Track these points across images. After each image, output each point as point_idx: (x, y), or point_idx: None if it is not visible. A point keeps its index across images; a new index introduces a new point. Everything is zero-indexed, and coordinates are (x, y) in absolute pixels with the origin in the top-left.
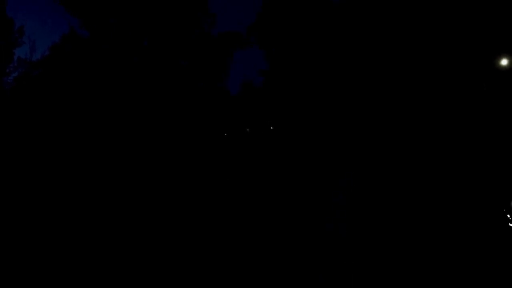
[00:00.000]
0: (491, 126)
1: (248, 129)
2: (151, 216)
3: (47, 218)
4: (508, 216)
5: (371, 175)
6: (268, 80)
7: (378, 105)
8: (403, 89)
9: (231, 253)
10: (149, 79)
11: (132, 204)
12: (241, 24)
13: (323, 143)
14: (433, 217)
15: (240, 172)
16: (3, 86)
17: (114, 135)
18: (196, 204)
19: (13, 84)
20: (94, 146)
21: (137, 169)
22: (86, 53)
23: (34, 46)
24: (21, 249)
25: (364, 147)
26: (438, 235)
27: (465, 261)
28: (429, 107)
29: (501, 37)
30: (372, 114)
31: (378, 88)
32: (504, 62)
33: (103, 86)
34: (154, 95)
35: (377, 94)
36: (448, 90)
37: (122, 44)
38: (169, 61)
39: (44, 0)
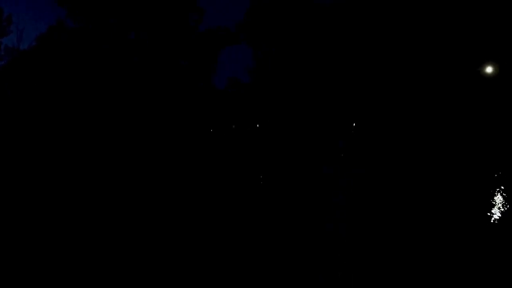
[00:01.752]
0: (489, 126)
1: (234, 126)
2: (138, 208)
3: (35, 214)
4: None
5: (371, 175)
6: (256, 77)
7: (373, 105)
8: (402, 88)
9: (229, 253)
10: (134, 73)
11: (122, 196)
12: (230, 21)
13: (321, 142)
14: (433, 216)
15: (239, 169)
16: None
17: (102, 124)
18: (197, 203)
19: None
20: (79, 133)
21: (123, 161)
22: (73, 43)
23: (21, 35)
24: (18, 249)
25: (364, 147)
26: (438, 235)
27: (466, 261)
28: (427, 107)
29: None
30: (369, 115)
31: (373, 89)
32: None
33: (89, 77)
34: (138, 89)
35: (370, 95)
36: (443, 90)
37: (108, 37)
38: (155, 55)
39: None
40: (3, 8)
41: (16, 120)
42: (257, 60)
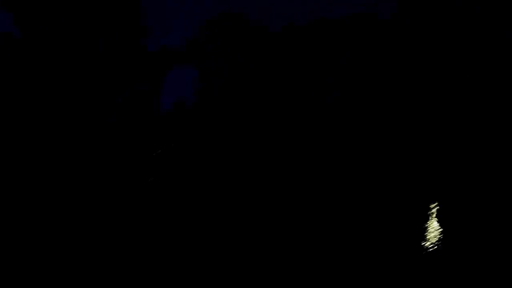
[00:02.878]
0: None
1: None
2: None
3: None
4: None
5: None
6: (202, 100)
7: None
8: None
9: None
10: (80, 86)
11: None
12: (179, 40)
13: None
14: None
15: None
16: None
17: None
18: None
19: None
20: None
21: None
22: (17, 51)
23: None
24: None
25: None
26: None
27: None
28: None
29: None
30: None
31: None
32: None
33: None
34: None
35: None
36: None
37: (53, 47)
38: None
39: None
40: None
41: None
42: (204, 83)
